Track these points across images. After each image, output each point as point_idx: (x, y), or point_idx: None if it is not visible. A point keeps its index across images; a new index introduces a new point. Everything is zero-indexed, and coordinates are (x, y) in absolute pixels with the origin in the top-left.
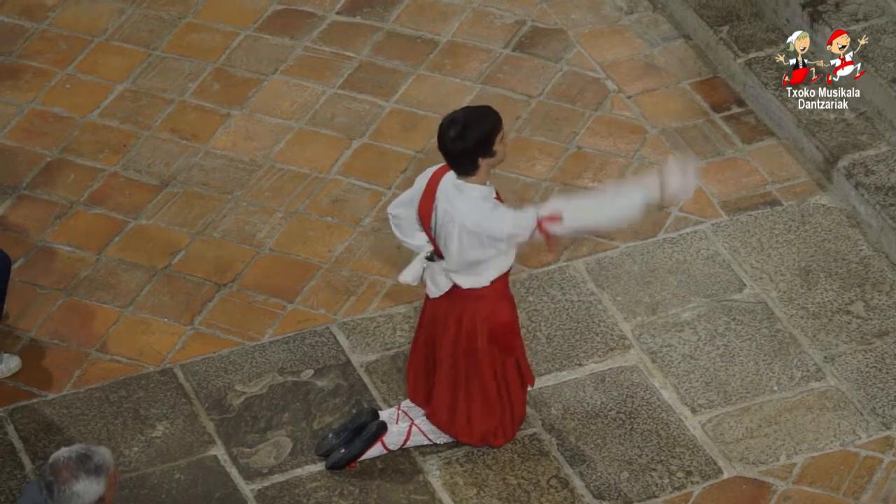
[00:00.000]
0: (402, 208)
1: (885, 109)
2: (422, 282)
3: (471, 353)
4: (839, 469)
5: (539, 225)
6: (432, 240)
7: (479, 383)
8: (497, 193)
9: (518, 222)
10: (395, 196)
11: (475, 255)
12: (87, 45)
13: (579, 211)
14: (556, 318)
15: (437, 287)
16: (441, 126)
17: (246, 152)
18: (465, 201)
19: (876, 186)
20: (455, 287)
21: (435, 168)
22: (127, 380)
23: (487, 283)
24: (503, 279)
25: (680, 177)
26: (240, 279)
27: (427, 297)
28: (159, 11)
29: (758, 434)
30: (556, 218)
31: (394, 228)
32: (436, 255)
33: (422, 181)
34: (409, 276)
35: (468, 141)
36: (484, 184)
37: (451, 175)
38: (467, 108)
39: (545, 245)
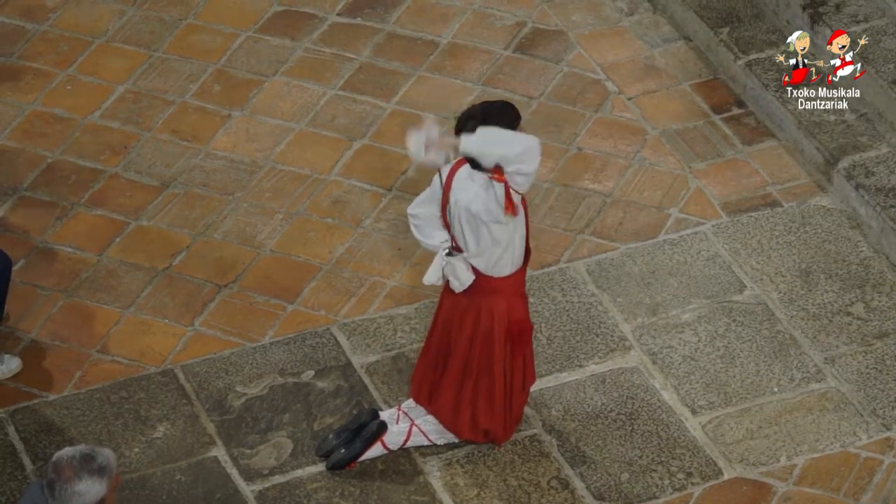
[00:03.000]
0: (422, 207)
1: (886, 111)
2: (444, 279)
3: (486, 350)
4: (839, 470)
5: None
6: (451, 232)
7: (487, 380)
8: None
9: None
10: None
11: (485, 235)
12: (88, 47)
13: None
14: (556, 320)
15: (460, 281)
16: (459, 120)
17: (247, 153)
18: (471, 187)
19: (876, 188)
20: (475, 280)
21: (450, 164)
22: (128, 381)
23: (508, 273)
24: (520, 275)
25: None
26: (241, 280)
27: (442, 298)
28: (160, 13)
29: (758, 435)
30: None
31: (413, 230)
32: (455, 249)
33: (440, 178)
34: (432, 276)
35: None
36: None
37: (466, 167)
38: (485, 103)
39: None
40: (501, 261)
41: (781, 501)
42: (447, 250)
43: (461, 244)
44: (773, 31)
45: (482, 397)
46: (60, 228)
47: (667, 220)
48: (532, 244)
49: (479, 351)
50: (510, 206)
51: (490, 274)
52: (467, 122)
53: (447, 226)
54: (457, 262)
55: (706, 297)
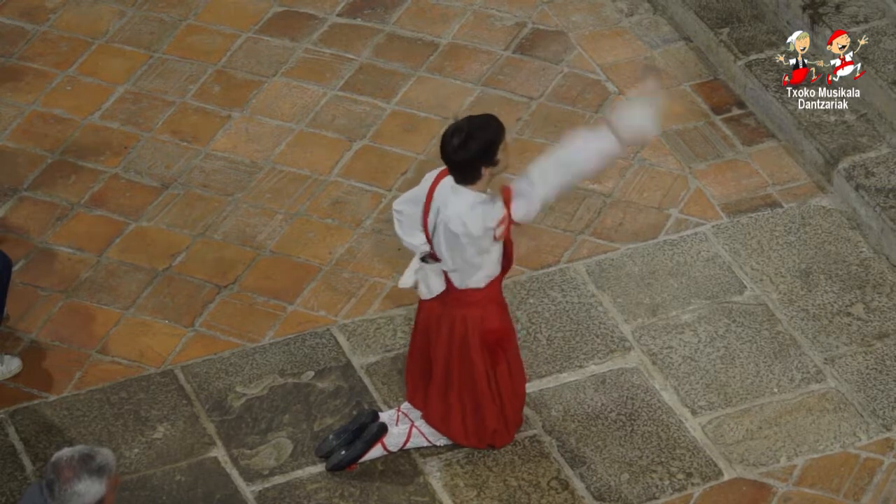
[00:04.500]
0: (407, 205)
1: (886, 111)
2: (414, 285)
3: (463, 357)
4: (839, 471)
5: (508, 217)
6: (429, 241)
7: (471, 386)
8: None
9: (487, 217)
10: (395, 198)
11: (461, 254)
12: (88, 47)
13: (546, 176)
14: (556, 320)
15: (429, 290)
16: (444, 135)
17: (246, 154)
18: (455, 203)
19: (876, 188)
20: (448, 291)
21: (439, 170)
22: (128, 381)
23: (482, 286)
24: (495, 284)
25: (633, 120)
26: (240, 281)
27: (420, 302)
28: (160, 13)
29: (758, 436)
30: (518, 195)
31: (395, 224)
32: (430, 257)
33: (426, 182)
34: (407, 280)
35: (471, 150)
36: (483, 192)
37: (449, 178)
38: (471, 116)
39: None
40: (476, 277)
41: (781, 502)
42: (423, 255)
43: (438, 254)
44: (773, 31)
45: (469, 406)
46: (60, 229)
47: (667, 221)
48: (532, 244)
49: (457, 360)
50: (505, 230)
51: (464, 287)
52: (453, 135)
53: (426, 231)
54: (430, 269)
55: (706, 298)
